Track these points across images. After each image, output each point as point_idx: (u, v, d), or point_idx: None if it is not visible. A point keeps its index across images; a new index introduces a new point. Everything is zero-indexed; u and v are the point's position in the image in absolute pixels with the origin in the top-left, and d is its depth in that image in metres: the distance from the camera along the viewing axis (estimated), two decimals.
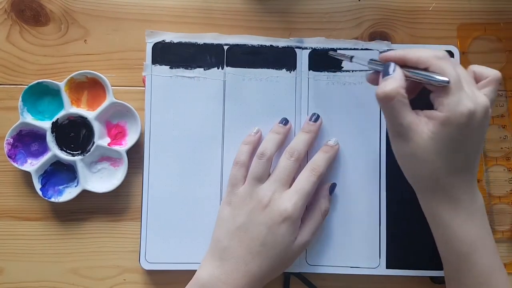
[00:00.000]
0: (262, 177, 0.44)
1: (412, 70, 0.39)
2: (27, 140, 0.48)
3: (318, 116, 0.47)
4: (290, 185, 0.44)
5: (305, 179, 0.44)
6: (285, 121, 0.47)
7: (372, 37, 0.49)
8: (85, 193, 0.47)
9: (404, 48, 0.41)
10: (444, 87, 0.37)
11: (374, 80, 0.41)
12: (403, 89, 0.38)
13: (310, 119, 0.47)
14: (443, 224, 0.40)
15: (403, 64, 0.39)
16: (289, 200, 0.43)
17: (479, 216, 0.40)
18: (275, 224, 0.42)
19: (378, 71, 0.40)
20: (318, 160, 0.46)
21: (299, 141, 0.46)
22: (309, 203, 0.46)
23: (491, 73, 0.40)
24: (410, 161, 0.40)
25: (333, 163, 0.47)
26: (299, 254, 0.45)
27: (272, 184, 0.44)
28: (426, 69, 0.38)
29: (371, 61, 0.41)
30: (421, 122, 0.38)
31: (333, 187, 0.47)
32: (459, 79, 0.37)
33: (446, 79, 0.37)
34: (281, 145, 0.46)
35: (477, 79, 0.40)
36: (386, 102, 0.38)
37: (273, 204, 0.43)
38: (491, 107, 0.39)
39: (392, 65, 0.39)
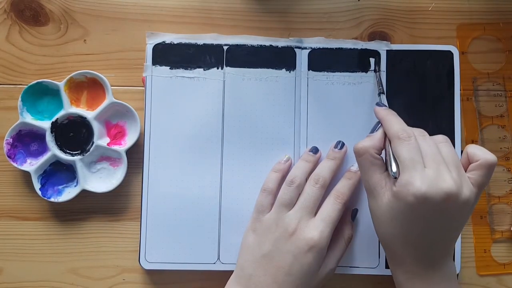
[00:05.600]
0: (290, 204, 0.44)
1: (388, 146, 0.40)
2: (27, 140, 0.48)
3: (343, 144, 0.47)
4: (316, 213, 0.44)
5: (331, 207, 0.44)
6: (314, 150, 0.47)
7: (372, 37, 0.49)
8: (84, 193, 0.47)
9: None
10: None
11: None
12: (374, 150, 0.40)
13: (335, 147, 0.47)
14: None
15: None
16: (315, 228, 0.42)
17: None
18: (302, 252, 0.42)
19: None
20: (342, 187, 0.45)
21: (324, 168, 0.46)
22: None
23: (483, 156, 0.38)
24: (374, 218, 0.41)
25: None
26: (324, 283, 0.44)
27: (298, 212, 0.43)
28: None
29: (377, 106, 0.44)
30: (385, 185, 0.39)
31: (355, 212, 0.47)
32: (412, 161, 0.37)
33: (394, 170, 0.38)
34: (310, 173, 0.46)
35: (470, 160, 0.39)
36: (356, 156, 0.41)
37: (299, 233, 0.42)
38: (479, 191, 0.38)
39: (379, 126, 0.41)
